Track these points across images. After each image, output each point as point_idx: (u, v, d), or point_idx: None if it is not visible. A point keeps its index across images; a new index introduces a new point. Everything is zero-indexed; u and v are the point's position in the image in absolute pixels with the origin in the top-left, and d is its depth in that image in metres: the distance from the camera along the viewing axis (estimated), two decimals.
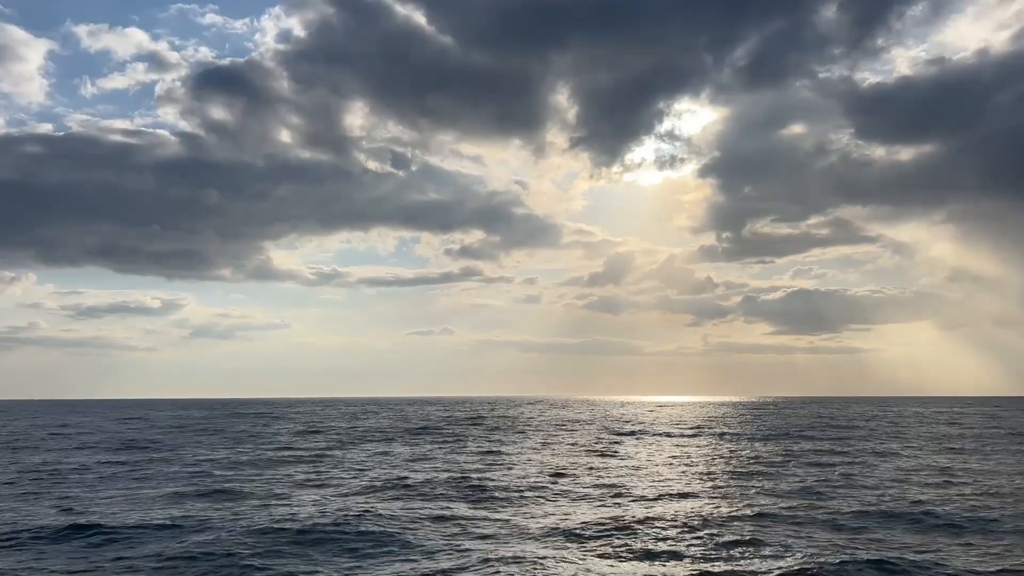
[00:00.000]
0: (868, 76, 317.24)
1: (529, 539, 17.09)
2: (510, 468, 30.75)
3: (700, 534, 17.40)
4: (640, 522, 18.76)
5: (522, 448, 40.78)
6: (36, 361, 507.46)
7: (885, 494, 23.46)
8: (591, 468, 31.02)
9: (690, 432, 55.87)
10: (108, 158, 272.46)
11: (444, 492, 23.93)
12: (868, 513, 20.16)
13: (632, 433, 54.38)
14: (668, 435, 52.22)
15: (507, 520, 19.20)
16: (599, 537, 17.20)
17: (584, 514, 20.02)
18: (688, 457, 35.83)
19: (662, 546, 16.25)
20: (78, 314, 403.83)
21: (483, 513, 20.24)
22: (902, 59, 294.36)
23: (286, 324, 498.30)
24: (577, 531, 17.81)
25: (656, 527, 18.25)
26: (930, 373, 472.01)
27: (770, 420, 77.63)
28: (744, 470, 30.10)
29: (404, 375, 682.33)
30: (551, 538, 17.14)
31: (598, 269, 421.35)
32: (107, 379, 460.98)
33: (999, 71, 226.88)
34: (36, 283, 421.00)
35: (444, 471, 29.52)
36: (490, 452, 38.16)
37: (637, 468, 30.98)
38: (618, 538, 17.04)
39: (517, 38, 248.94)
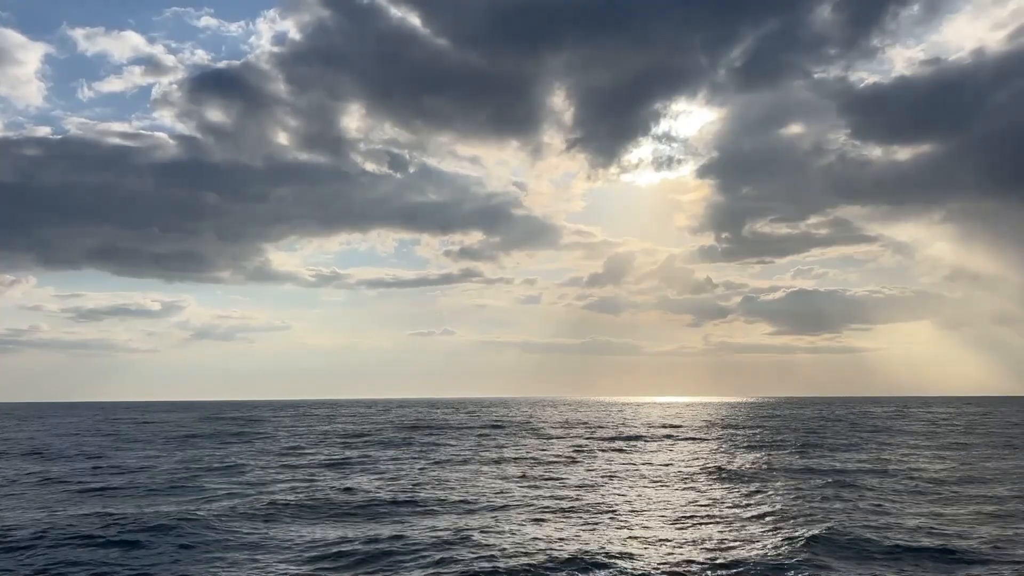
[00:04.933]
0: (865, 76, 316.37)
1: None
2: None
3: None
4: None
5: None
6: (38, 363, 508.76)
7: None
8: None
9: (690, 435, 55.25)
10: (106, 160, 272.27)
11: None
12: None
13: (622, 438, 53.76)
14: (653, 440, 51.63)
15: None
16: None
17: None
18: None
19: None
20: (79, 316, 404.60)
21: None
22: (899, 59, 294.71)
23: (287, 326, 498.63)
24: None
25: None
26: (931, 372, 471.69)
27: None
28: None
29: (405, 376, 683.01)
30: None
31: (598, 269, 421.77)
32: (109, 381, 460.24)
33: (996, 70, 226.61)
34: (36, 286, 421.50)
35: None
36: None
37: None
38: None
39: (512, 39, 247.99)
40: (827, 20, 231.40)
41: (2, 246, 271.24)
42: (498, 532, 18.39)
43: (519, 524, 19.49)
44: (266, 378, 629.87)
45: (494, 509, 21.78)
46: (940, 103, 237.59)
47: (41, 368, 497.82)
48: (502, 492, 25.02)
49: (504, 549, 16.49)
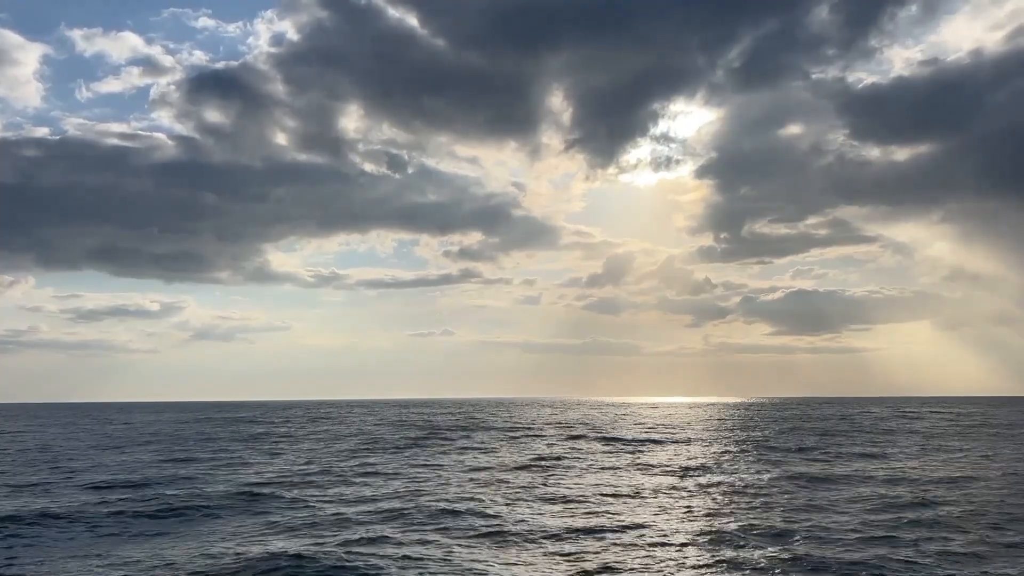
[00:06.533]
0: (863, 76, 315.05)
1: None
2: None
3: None
4: None
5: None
6: (38, 364, 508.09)
7: None
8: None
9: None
10: (105, 161, 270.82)
11: None
12: None
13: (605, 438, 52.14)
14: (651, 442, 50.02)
15: None
16: None
17: None
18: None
19: None
20: (78, 317, 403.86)
21: None
22: (897, 59, 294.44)
23: (287, 326, 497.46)
24: None
25: None
26: (930, 373, 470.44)
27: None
28: None
29: (405, 377, 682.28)
30: None
31: (597, 270, 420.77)
32: (109, 382, 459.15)
33: (994, 71, 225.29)
34: (35, 286, 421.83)
35: None
36: None
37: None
38: None
39: (510, 40, 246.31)
40: (825, 21, 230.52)
41: (2, 246, 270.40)
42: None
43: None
44: (266, 378, 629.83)
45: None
46: (938, 103, 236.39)
47: (41, 369, 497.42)
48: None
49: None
